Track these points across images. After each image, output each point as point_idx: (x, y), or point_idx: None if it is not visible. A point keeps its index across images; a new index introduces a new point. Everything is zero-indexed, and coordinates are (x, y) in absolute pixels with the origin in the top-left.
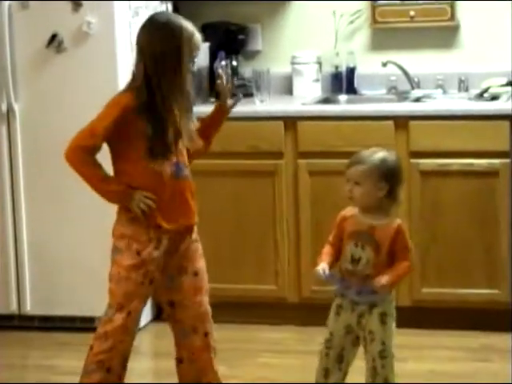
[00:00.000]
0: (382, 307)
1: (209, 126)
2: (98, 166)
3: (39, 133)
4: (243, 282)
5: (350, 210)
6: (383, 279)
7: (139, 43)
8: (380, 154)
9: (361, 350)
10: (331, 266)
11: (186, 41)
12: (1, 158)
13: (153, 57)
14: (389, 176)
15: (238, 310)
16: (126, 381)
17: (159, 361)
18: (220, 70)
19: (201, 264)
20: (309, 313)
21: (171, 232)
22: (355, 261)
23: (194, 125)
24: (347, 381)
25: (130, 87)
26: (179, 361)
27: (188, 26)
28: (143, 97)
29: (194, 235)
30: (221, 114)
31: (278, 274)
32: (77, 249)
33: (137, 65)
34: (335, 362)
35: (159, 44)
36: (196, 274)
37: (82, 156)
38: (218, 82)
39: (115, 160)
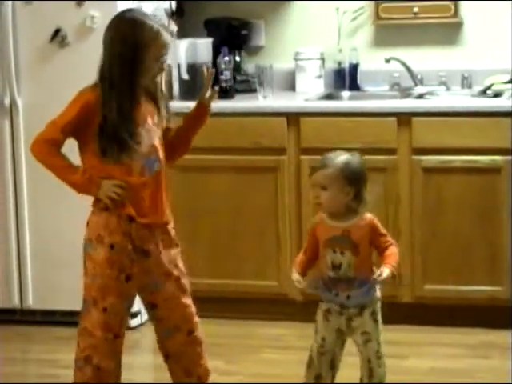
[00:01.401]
0: (372, 306)
1: (189, 126)
2: (62, 157)
3: (42, 127)
4: (244, 277)
5: (320, 218)
6: (384, 273)
7: (104, 39)
8: (343, 158)
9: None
10: (305, 273)
11: (149, 40)
12: (3, 153)
13: (112, 54)
14: (354, 179)
15: (238, 305)
16: (128, 376)
17: (160, 356)
18: (204, 68)
19: (182, 266)
20: (310, 309)
21: (142, 227)
22: (336, 267)
23: (171, 123)
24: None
25: (96, 83)
26: (166, 357)
27: (154, 24)
28: (107, 93)
29: (175, 238)
30: (201, 112)
31: (279, 270)
32: (79, 244)
33: (102, 61)
34: (328, 368)
35: (118, 42)
36: (179, 277)
37: (44, 148)
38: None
39: (83, 154)
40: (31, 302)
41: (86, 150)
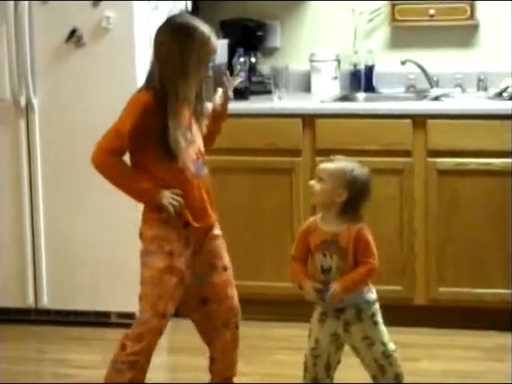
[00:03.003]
0: (369, 310)
1: (211, 126)
2: (127, 166)
3: (58, 127)
4: (260, 279)
5: (312, 222)
6: (332, 288)
7: (155, 44)
8: (351, 163)
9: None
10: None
11: (201, 45)
12: (19, 152)
13: (166, 58)
14: (351, 185)
15: (254, 306)
16: None
17: (175, 356)
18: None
19: (227, 258)
20: None
21: (197, 230)
22: (326, 271)
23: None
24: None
25: (146, 86)
26: (211, 361)
27: (205, 29)
28: (160, 97)
29: (218, 231)
30: (218, 115)
31: None
32: (94, 244)
33: (152, 64)
34: (324, 370)
35: (173, 45)
36: (225, 268)
37: (110, 158)
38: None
39: (136, 161)
40: (46, 302)
41: (142, 156)
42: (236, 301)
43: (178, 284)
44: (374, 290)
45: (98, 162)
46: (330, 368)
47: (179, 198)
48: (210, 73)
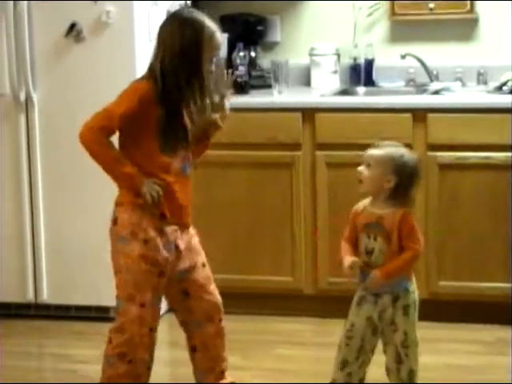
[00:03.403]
0: (405, 299)
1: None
2: (113, 148)
3: (57, 122)
4: (260, 273)
5: (361, 205)
6: (373, 274)
7: (160, 36)
8: (402, 150)
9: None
10: None
11: (207, 39)
12: (19, 148)
13: (172, 51)
14: (400, 171)
15: (253, 300)
16: None
17: (175, 350)
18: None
19: (204, 255)
20: (325, 305)
21: (171, 225)
22: (369, 252)
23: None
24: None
25: (147, 77)
26: (193, 349)
27: (211, 24)
28: (160, 89)
29: (192, 230)
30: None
31: (294, 266)
32: (94, 238)
33: (155, 57)
34: (355, 353)
35: (180, 39)
36: (204, 265)
37: (97, 136)
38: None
39: (124, 148)
40: (46, 297)
41: (131, 144)
42: (218, 296)
43: (155, 272)
44: (415, 281)
45: (85, 139)
46: (362, 352)
47: (159, 189)
48: (213, 68)
